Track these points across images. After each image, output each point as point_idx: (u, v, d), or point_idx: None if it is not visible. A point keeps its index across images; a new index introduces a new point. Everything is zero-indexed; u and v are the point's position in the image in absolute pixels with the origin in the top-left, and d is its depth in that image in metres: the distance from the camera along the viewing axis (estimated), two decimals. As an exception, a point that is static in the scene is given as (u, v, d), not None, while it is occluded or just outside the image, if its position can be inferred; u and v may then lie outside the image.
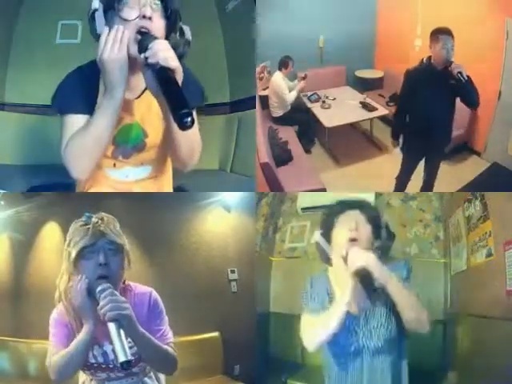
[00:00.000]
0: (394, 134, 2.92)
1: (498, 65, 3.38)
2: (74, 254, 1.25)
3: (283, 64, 4.24)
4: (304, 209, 3.47)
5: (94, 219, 1.29)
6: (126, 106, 1.43)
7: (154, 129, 1.52)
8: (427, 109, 2.59)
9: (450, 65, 2.42)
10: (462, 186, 3.06)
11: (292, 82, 4.42)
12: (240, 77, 3.53)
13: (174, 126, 1.19)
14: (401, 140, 2.85)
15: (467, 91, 2.46)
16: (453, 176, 3.37)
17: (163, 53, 1.22)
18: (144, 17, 1.31)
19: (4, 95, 3.64)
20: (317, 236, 1.45)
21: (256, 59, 3.42)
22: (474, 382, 2.14)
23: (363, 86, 5.09)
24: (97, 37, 1.33)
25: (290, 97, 4.30)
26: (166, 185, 1.75)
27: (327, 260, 1.45)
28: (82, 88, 1.43)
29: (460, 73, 2.39)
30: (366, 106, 4.30)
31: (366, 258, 1.28)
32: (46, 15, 3.67)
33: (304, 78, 4.31)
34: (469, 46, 3.53)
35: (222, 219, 3.36)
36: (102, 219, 1.30)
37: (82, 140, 1.36)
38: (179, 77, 1.24)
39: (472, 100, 2.51)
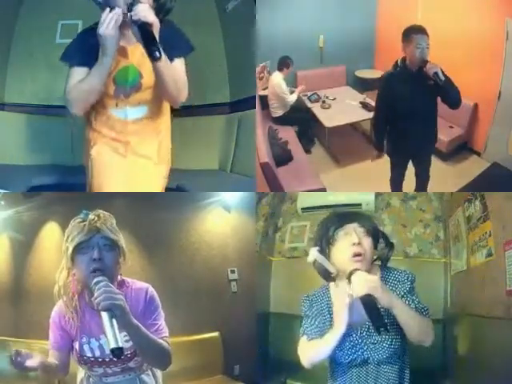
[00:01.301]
0: (376, 144, 2.79)
1: (498, 65, 3.38)
2: (70, 249, 1.31)
3: (284, 64, 4.24)
4: (304, 209, 3.47)
5: (90, 216, 1.34)
6: (123, 52, 1.79)
7: (148, 71, 1.79)
8: (407, 112, 2.47)
9: (425, 65, 2.30)
10: (462, 186, 3.06)
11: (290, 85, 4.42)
12: (240, 77, 3.53)
13: (158, 65, 1.66)
14: (385, 145, 2.76)
15: (446, 91, 2.34)
16: (453, 176, 3.37)
17: (143, 12, 1.59)
18: None
19: (4, 95, 3.64)
20: (314, 253, 1.38)
21: (256, 59, 3.41)
22: (474, 382, 2.14)
23: (363, 86, 5.09)
24: (99, 5, 1.71)
25: (291, 98, 4.31)
26: (162, 127, 2.00)
27: (328, 277, 1.40)
28: (86, 46, 1.74)
29: (436, 73, 2.27)
30: (365, 106, 4.30)
31: (370, 284, 1.23)
32: (46, 15, 3.67)
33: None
34: (469, 47, 3.54)
35: (222, 219, 3.36)
36: (98, 216, 1.35)
37: (80, 87, 1.76)
38: (155, 29, 1.60)
39: (452, 100, 2.38)
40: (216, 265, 3.28)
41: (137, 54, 1.79)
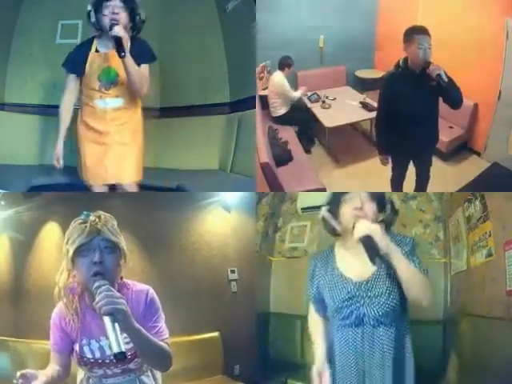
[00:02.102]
0: (378, 144, 2.79)
1: (498, 65, 3.38)
2: (71, 252, 1.30)
3: (285, 64, 4.24)
4: (304, 209, 3.47)
5: (91, 217, 1.33)
6: (105, 57, 2.42)
7: (123, 71, 2.38)
8: (409, 112, 2.46)
9: (428, 66, 2.29)
10: (462, 186, 3.06)
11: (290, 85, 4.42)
12: (240, 77, 3.52)
13: (125, 62, 2.31)
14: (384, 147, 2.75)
15: (448, 92, 2.33)
16: (453, 176, 3.37)
17: (118, 30, 2.26)
18: (113, 13, 2.31)
19: (4, 95, 3.63)
20: (323, 212, 1.55)
21: (256, 59, 3.41)
22: (474, 382, 2.14)
23: (363, 86, 5.09)
24: (92, 25, 2.40)
25: (295, 94, 4.32)
26: (135, 116, 2.57)
27: (333, 232, 1.55)
28: (78, 55, 2.45)
29: (439, 75, 2.26)
30: (365, 105, 4.30)
31: (370, 228, 1.37)
32: (46, 15, 3.67)
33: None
34: (469, 47, 3.54)
35: (221, 219, 3.36)
36: (99, 217, 1.34)
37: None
38: (124, 40, 2.27)
39: (454, 100, 2.38)
40: (216, 265, 3.28)
41: (115, 58, 2.35)
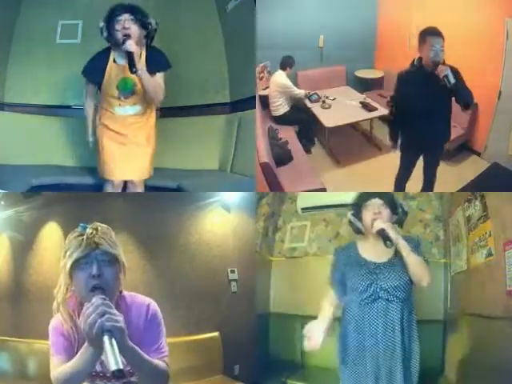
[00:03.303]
0: (392, 136, 2.89)
1: (498, 65, 3.38)
2: (68, 266, 1.27)
3: (286, 63, 4.25)
4: (304, 209, 3.47)
5: (88, 230, 1.30)
6: (123, 68, 2.55)
7: (139, 81, 2.58)
8: (422, 109, 2.54)
9: (437, 67, 2.36)
10: (462, 186, 3.06)
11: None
12: (240, 77, 3.52)
13: (139, 75, 2.49)
14: (398, 140, 2.83)
15: (458, 93, 2.40)
16: (453, 176, 3.37)
17: (129, 45, 2.43)
18: (124, 28, 2.49)
19: (4, 95, 3.63)
20: (350, 216, 1.98)
21: (256, 59, 3.41)
22: (474, 382, 2.14)
23: (363, 86, 5.10)
24: (106, 39, 2.58)
25: (299, 91, 4.34)
26: (150, 121, 2.78)
27: (358, 231, 1.96)
28: (96, 64, 2.62)
29: (446, 76, 2.33)
30: (365, 106, 4.30)
31: (386, 223, 1.83)
32: (46, 15, 3.67)
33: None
34: (469, 47, 3.54)
35: (221, 219, 3.36)
36: (96, 230, 1.30)
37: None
38: (137, 56, 2.47)
39: (464, 102, 2.44)
40: (216, 265, 3.27)
41: None
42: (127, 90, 2.61)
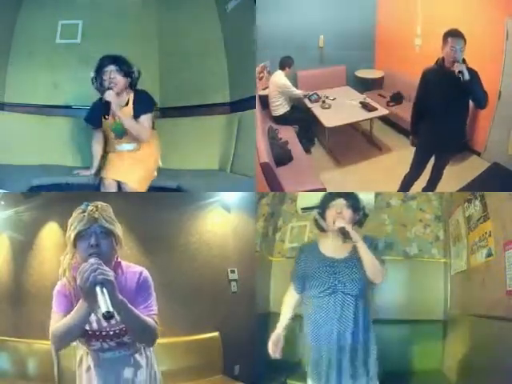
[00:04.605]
0: (412, 131, 3.02)
1: (498, 65, 3.38)
2: (72, 237, 1.49)
3: (286, 63, 4.25)
4: (304, 209, 3.47)
5: (89, 207, 1.51)
6: (114, 116, 2.84)
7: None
8: (440, 107, 2.65)
9: (453, 64, 2.49)
10: (462, 186, 3.07)
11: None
12: (240, 77, 3.52)
13: (123, 124, 2.82)
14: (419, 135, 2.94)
15: (472, 91, 2.52)
16: (453, 176, 3.37)
17: (107, 95, 2.74)
18: (110, 78, 2.77)
19: (4, 95, 3.63)
20: (315, 214, 2.08)
21: (256, 59, 3.42)
22: (474, 382, 2.14)
23: (363, 86, 5.09)
24: (96, 89, 2.84)
25: (298, 91, 4.35)
26: (148, 156, 2.96)
27: (321, 229, 2.04)
28: (94, 112, 2.95)
29: (461, 71, 2.46)
30: (365, 106, 4.30)
31: (345, 222, 1.91)
32: (45, 15, 3.67)
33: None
34: (469, 46, 3.53)
35: (221, 219, 3.35)
36: (96, 207, 1.52)
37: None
38: (114, 106, 2.76)
39: (478, 100, 2.60)
40: (216, 265, 3.27)
41: (125, 112, 2.82)
42: (118, 132, 2.88)
